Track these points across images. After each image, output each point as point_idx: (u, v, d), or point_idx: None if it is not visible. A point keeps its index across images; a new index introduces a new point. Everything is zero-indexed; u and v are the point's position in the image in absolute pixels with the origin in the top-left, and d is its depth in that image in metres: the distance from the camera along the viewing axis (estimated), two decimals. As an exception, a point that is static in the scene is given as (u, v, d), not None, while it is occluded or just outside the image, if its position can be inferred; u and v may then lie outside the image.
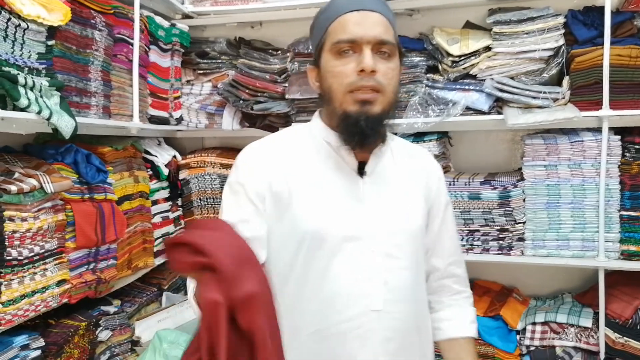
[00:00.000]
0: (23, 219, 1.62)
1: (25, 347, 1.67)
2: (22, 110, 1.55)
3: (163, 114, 2.48)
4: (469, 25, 2.42)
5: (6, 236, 1.56)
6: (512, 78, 2.22)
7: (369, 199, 1.24)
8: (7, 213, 1.56)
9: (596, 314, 2.17)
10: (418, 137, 2.32)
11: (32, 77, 1.61)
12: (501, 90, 2.19)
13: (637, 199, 2.09)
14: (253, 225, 1.20)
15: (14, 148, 1.94)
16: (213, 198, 2.59)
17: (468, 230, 2.29)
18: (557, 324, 2.20)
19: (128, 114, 2.18)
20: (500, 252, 2.27)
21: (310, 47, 2.44)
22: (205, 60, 2.60)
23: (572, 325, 2.18)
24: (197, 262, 0.81)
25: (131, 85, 2.18)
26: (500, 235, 2.27)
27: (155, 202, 2.41)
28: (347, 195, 1.24)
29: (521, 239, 2.25)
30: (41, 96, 1.62)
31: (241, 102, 2.48)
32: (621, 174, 2.10)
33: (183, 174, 2.60)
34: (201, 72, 2.61)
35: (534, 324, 2.24)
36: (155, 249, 2.37)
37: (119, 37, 2.09)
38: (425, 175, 1.37)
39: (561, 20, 2.14)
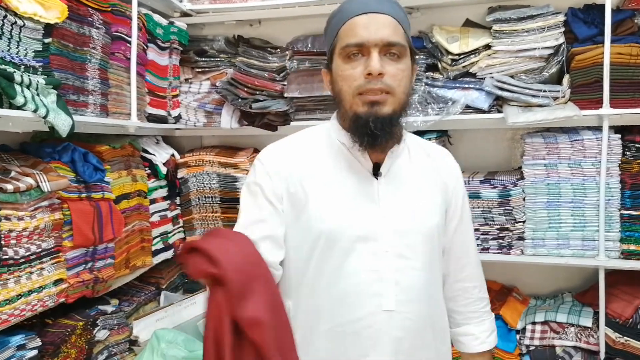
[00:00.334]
0: (19, 218, 1.61)
1: (21, 347, 1.66)
2: (19, 108, 1.53)
3: (161, 112, 2.47)
4: (468, 23, 2.41)
5: (2, 235, 1.55)
6: (512, 76, 2.21)
7: (383, 199, 1.26)
8: (3, 212, 1.55)
9: (596, 313, 2.16)
10: (417, 135, 2.30)
11: (28, 75, 1.60)
12: (501, 89, 2.19)
13: (637, 198, 2.08)
14: (270, 225, 1.25)
15: (11, 146, 1.93)
16: (211, 197, 2.58)
17: (468, 229, 2.29)
18: (557, 323, 2.20)
19: (126, 112, 2.17)
20: (500, 251, 2.27)
21: (310, 45, 2.47)
22: (203, 59, 2.59)
23: (572, 325, 2.17)
24: (209, 272, 0.82)
25: (129, 83, 2.17)
26: (500, 235, 2.26)
27: (153, 201, 2.40)
28: (362, 196, 1.26)
29: (521, 238, 2.24)
30: (38, 94, 1.61)
31: (240, 100, 2.47)
32: (621, 172, 2.10)
33: (181, 173, 2.59)
34: (200, 70, 2.60)
35: (533, 323, 2.23)
36: (153, 248, 2.36)
37: (117, 35, 2.08)
38: (443, 174, 1.39)
39: (561, 18, 2.14)
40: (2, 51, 1.53)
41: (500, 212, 2.24)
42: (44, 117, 1.60)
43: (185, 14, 2.66)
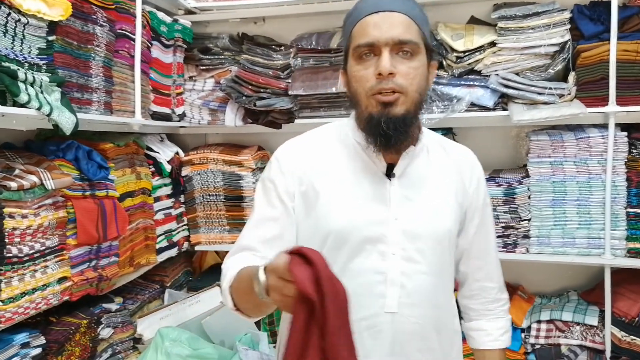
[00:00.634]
0: (23, 216, 1.61)
1: (25, 345, 1.66)
2: (22, 106, 1.53)
3: (165, 110, 2.47)
4: (473, 20, 2.40)
5: (6, 233, 1.55)
6: (517, 74, 2.20)
7: (394, 201, 1.25)
8: (7, 210, 1.55)
9: (602, 312, 2.15)
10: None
11: (32, 73, 1.60)
12: (506, 86, 2.18)
13: (644, 196, 2.07)
14: (281, 224, 1.26)
15: (15, 144, 1.93)
16: (216, 195, 2.57)
17: (472, 227, 2.28)
18: (562, 322, 2.19)
19: (130, 110, 2.17)
20: (505, 249, 2.26)
21: (314, 43, 2.46)
22: (208, 56, 2.59)
23: (578, 324, 2.17)
24: (310, 295, 0.80)
25: (133, 81, 2.17)
26: (505, 233, 2.25)
27: (157, 199, 2.40)
28: (373, 197, 1.25)
29: (526, 236, 2.23)
30: (42, 92, 1.61)
31: (244, 98, 2.46)
32: (628, 170, 2.09)
33: (186, 171, 2.59)
34: (204, 68, 2.60)
35: (539, 322, 2.23)
36: (157, 246, 2.37)
37: (121, 33, 2.07)
38: (463, 175, 1.35)
39: (567, 15, 2.12)
40: (6, 49, 1.53)
41: (505, 210, 2.23)
42: (48, 115, 1.60)
43: (189, 12, 2.66)
